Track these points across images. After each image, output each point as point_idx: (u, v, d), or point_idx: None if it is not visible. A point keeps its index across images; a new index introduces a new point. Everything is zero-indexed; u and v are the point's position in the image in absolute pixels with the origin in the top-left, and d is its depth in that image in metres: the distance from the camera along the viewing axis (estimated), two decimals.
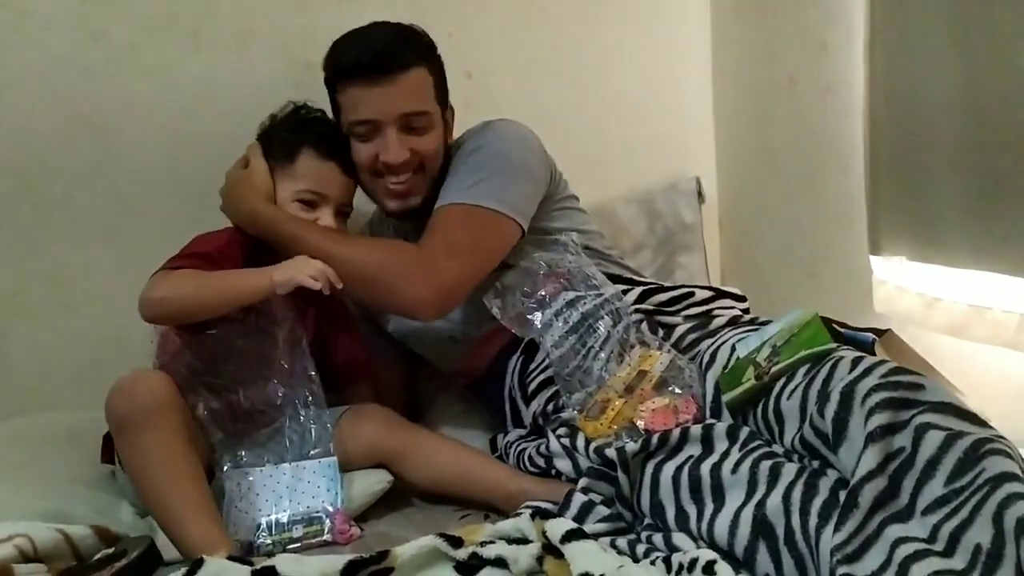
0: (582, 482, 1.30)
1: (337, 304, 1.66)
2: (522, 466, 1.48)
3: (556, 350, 1.44)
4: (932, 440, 0.97)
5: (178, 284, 1.42)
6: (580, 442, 1.36)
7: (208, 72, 1.72)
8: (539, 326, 1.46)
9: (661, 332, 1.49)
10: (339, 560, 1.14)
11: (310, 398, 1.48)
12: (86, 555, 1.28)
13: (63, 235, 1.68)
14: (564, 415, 1.45)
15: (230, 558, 1.16)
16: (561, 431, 1.43)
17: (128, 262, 1.56)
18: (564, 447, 1.39)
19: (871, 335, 1.38)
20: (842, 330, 1.42)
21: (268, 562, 1.13)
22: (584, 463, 1.35)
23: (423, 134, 1.57)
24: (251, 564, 1.14)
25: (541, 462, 1.45)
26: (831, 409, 1.06)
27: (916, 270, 1.60)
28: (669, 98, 2.21)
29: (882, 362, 1.09)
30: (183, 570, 1.11)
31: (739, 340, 1.34)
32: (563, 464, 1.40)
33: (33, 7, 1.64)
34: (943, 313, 1.54)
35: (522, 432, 1.58)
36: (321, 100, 1.86)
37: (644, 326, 1.48)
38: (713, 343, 1.39)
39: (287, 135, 1.59)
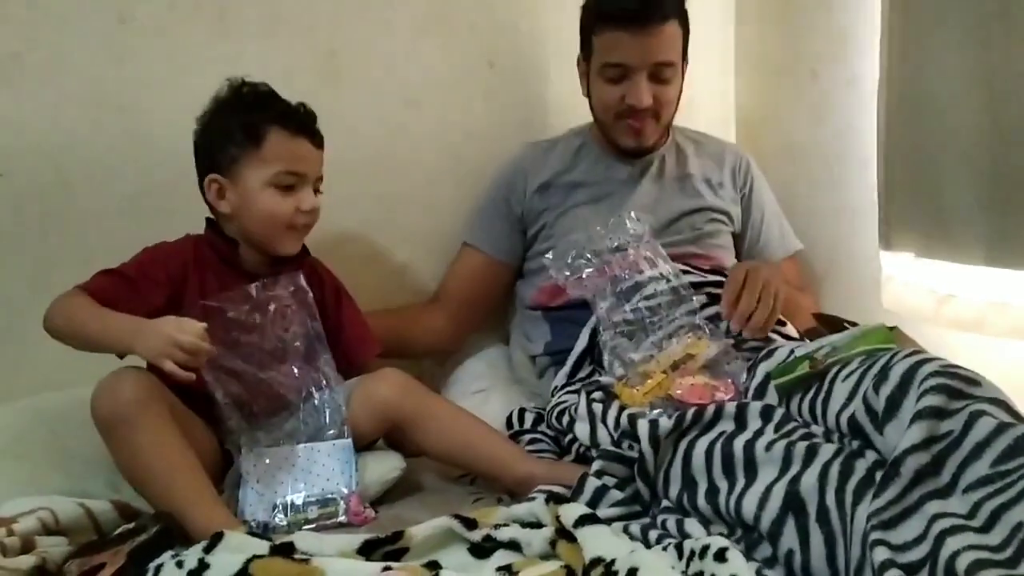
0: (596, 465, 1.31)
1: (335, 282, 1.68)
2: (549, 424, 1.55)
3: (609, 315, 1.46)
4: (984, 425, 0.99)
5: (65, 312, 1.40)
6: (612, 413, 1.38)
7: (233, 56, 1.73)
8: (593, 290, 1.49)
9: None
10: (356, 539, 1.16)
11: (324, 380, 1.50)
12: (107, 529, 1.30)
13: (88, 214, 1.69)
14: (603, 379, 1.48)
15: (249, 533, 1.18)
16: (596, 395, 1.45)
17: (151, 242, 1.58)
18: (590, 413, 1.42)
19: None
20: (851, 327, 1.43)
21: (287, 538, 1.15)
22: (603, 436, 1.38)
23: (667, 83, 1.72)
24: (270, 539, 1.16)
25: (562, 423, 1.50)
26: (888, 387, 1.07)
27: (925, 266, 1.60)
28: (689, 91, 2.21)
29: (941, 359, 1.10)
30: (204, 544, 1.12)
31: (798, 347, 1.36)
32: (581, 429, 1.43)
33: None
34: (955, 309, 1.53)
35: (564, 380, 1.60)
36: (342, 87, 1.89)
37: (710, 310, 1.52)
38: (773, 344, 1.42)
39: (248, 116, 1.51)
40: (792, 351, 1.34)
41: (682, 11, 1.73)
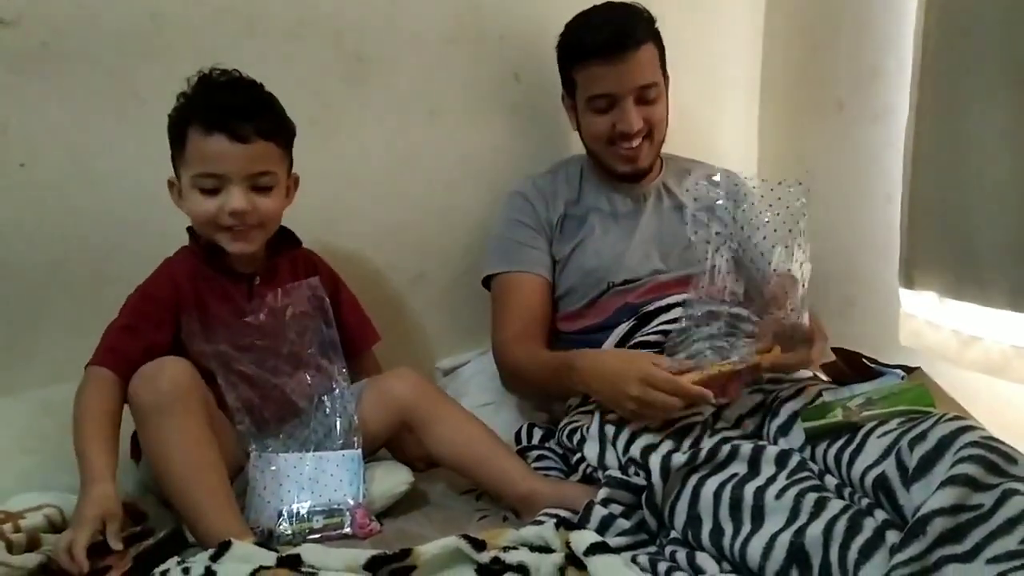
0: (602, 493, 1.31)
1: (332, 273, 1.68)
2: (559, 442, 1.56)
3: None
4: (1017, 503, 0.98)
5: (75, 418, 1.33)
6: (623, 437, 1.38)
7: (260, 59, 1.72)
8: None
9: None
10: (362, 554, 1.15)
11: (336, 389, 1.49)
12: None
13: (109, 209, 1.68)
14: None
15: (256, 544, 1.18)
16: (611, 416, 1.45)
17: (170, 241, 1.57)
18: (602, 434, 1.42)
19: (900, 371, 1.39)
20: (872, 364, 1.42)
21: (293, 550, 1.15)
22: (611, 458, 1.38)
23: (654, 104, 1.75)
24: (276, 551, 1.15)
25: (572, 442, 1.51)
26: (923, 449, 1.07)
27: (949, 307, 1.59)
28: (714, 118, 2.21)
29: (983, 429, 1.09)
30: (211, 552, 1.12)
31: (827, 389, 1.35)
32: (591, 449, 1.43)
33: None
34: (982, 352, 1.52)
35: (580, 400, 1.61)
36: (368, 92, 1.88)
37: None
38: (798, 382, 1.40)
39: (178, 113, 1.46)
40: (821, 392, 1.33)
41: (654, 31, 1.76)
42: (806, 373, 1.50)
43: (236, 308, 1.50)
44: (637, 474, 1.32)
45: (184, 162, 1.45)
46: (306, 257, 1.64)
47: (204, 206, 1.45)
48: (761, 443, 1.27)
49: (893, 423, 1.18)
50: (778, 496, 1.14)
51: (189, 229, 1.55)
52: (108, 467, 1.28)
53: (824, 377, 1.51)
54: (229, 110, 1.43)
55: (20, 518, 1.23)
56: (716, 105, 2.18)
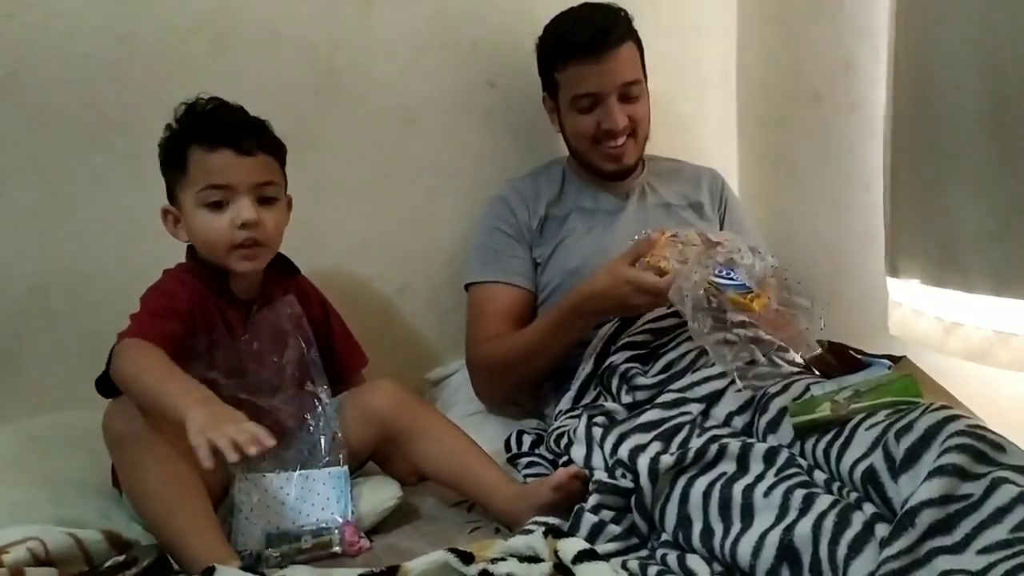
0: (592, 500, 1.30)
1: (321, 297, 1.67)
2: (548, 447, 1.56)
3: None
4: (1006, 492, 0.97)
5: (137, 373, 1.29)
6: (611, 439, 1.37)
7: (232, 76, 1.73)
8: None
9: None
10: (349, 573, 1.14)
11: (320, 407, 1.48)
12: (97, 560, 1.27)
13: (84, 234, 1.68)
14: (608, 405, 1.49)
15: (243, 567, 1.16)
16: (599, 419, 1.45)
17: (148, 264, 1.55)
18: (588, 436, 1.42)
19: (887, 361, 1.38)
20: (859, 356, 1.41)
21: (279, 573, 1.13)
22: (597, 459, 1.38)
23: (637, 101, 1.78)
24: (262, 574, 1.14)
25: (560, 446, 1.50)
26: (910, 439, 1.06)
27: (932, 294, 1.58)
28: (691, 113, 2.20)
29: (971, 417, 1.09)
30: None
31: (815, 383, 1.34)
32: (577, 450, 1.43)
33: (60, 8, 1.64)
34: (963, 338, 1.52)
35: (569, 406, 1.60)
36: (342, 105, 1.87)
37: None
38: (786, 378, 1.39)
39: (171, 140, 1.46)
40: (808, 387, 1.32)
41: (632, 30, 1.79)
42: (795, 366, 1.49)
43: (235, 335, 1.48)
44: (624, 476, 1.31)
45: (187, 182, 1.43)
46: (298, 284, 1.63)
47: (214, 224, 1.43)
48: (749, 440, 1.26)
49: (881, 415, 1.17)
50: (767, 494, 1.14)
51: (190, 248, 1.52)
52: (202, 389, 1.26)
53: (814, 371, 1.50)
54: (231, 126, 1.45)
55: (3, 552, 1.21)
56: (693, 101, 2.17)
